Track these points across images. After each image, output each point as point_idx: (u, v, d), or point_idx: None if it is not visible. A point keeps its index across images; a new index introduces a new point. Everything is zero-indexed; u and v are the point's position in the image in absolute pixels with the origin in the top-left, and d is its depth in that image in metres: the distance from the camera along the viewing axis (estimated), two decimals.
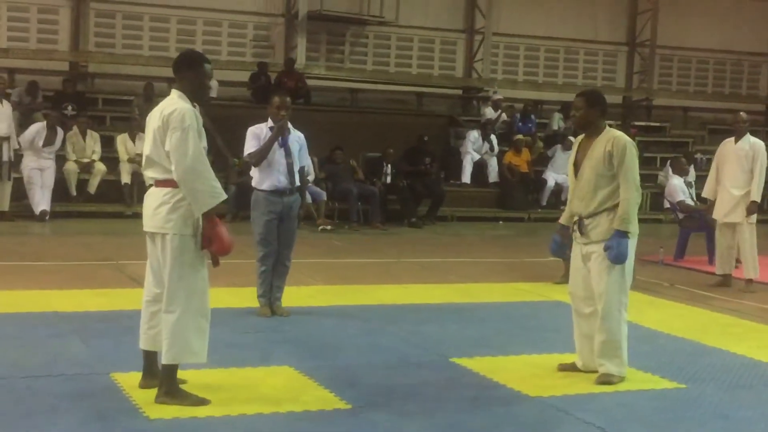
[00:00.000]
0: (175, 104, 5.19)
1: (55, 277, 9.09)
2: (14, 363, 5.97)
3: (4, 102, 13.30)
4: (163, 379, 5.28)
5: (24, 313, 7.45)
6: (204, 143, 5.24)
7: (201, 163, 5.15)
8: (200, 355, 5.30)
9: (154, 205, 5.24)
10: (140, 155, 15.31)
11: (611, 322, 6.00)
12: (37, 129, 13.77)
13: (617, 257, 5.91)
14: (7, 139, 13.16)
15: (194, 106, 5.29)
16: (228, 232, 5.28)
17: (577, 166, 6.17)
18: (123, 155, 14.46)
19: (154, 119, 5.24)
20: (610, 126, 6.28)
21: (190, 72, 5.33)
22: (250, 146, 7.76)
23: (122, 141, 14.54)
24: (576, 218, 6.17)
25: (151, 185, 5.34)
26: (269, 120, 7.77)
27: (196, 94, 5.33)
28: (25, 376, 5.70)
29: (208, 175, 5.17)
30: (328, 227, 14.03)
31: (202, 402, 5.25)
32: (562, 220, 6.34)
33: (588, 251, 6.09)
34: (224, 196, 5.26)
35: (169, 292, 5.21)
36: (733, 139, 10.28)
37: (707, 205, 10.64)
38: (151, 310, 5.39)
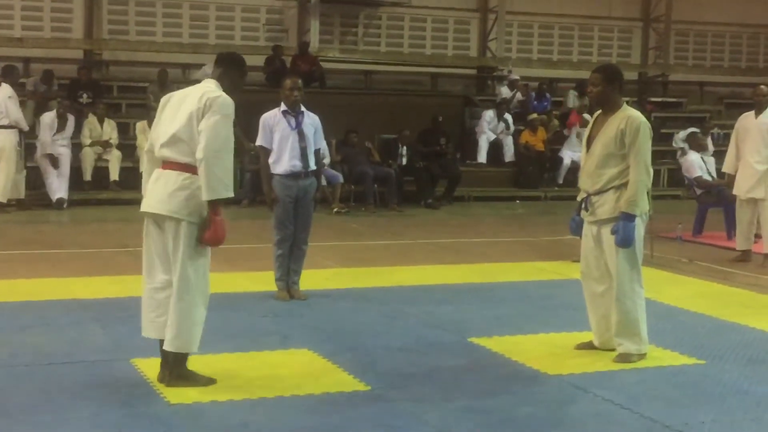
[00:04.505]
0: (219, 92, 5.23)
1: (74, 265, 9.15)
2: (36, 350, 6.02)
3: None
4: (174, 364, 5.29)
5: (44, 301, 7.50)
6: (232, 136, 5.25)
7: (227, 152, 5.15)
8: (197, 344, 5.31)
9: (171, 188, 5.18)
10: None
11: (626, 300, 5.99)
12: (51, 118, 13.81)
13: (623, 241, 5.89)
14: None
15: None
16: (225, 226, 5.20)
17: (590, 142, 6.14)
18: (142, 143, 14.46)
19: (191, 100, 5.18)
20: (627, 103, 6.23)
21: (236, 71, 5.44)
22: (260, 136, 7.78)
23: (141, 130, 14.53)
24: (584, 195, 6.15)
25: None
26: (282, 104, 7.77)
27: (231, 92, 5.32)
28: (46, 363, 5.75)
29: (230, 165, 5.17)
30: (343, 210, 14.04)
31: (210, 382, 5.30)
32: (581, 198, 6.32)
33: (599, 231, 6.08)
34: (232, 194, 5.21)
35: (183, 280, 5.17)
36: (753, 112, 10.16)
37: (726, 179, 10.55)
38: (159, 298, 5.30)
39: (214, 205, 5.12)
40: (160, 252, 5.29)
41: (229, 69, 5.42)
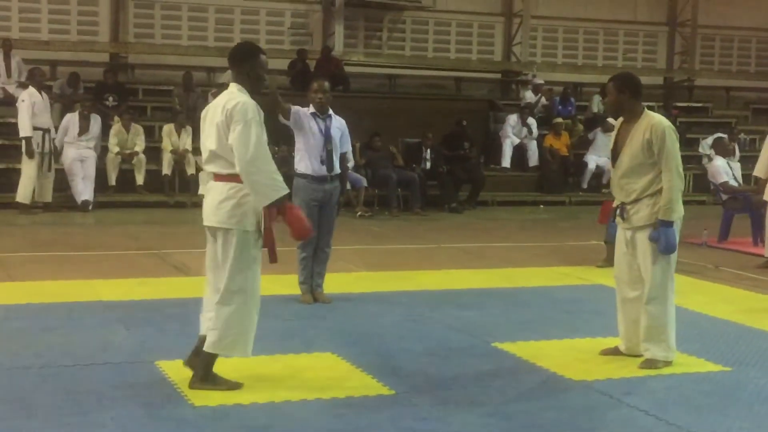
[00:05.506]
0: (237, 98, 5.22)
1: (99, 267, 9.19)
2: (61, 351, 6.05)
3: (43, 94, 13.39)
4: (200, 365, 5.32)
5: (70, 302, 7.54)
6: (264, 136, 5.24)
7: (262, 156, 5.15)
8: (249, 349, 5.35)
9: (218, 199, 5.24)
10: (186, 149, 15.13)
11: (656, 305, 5.96)
12: (68, 119, 13.88)
13: (667, 248, 5.86)
14: (48, 131, 13.28)
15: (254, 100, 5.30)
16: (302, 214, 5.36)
17: (615, 152, 6.11)
18: (167, 146, 14.51)
19: (216, 113, 5.23)
20: (651, 108, 6.20)
21: (245, 64, 5.35)
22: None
23: (167, 133, 14.57)
24: (619, 202, 6.13)
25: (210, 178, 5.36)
26: (310, 106, 7.78)
27: (253, 85, 5.34)
28: (72, 364, 5.78)
29: (270, 167, 5.17)
30: (366, 214, 14.04)
31: (236, 386, 5.31)
32: (616, 204, 6.28)
33: (633, 235, 6.04)
34: (287, 190, 5.23)
35: (228, 285, 5.21)
36: None
37: (756, 184, 10.48)
38: (210, 302, 5.38)
39: (272, 208, 5.16)
40: (210, 262, 5.37)
41: (241, 65, 5.35)
